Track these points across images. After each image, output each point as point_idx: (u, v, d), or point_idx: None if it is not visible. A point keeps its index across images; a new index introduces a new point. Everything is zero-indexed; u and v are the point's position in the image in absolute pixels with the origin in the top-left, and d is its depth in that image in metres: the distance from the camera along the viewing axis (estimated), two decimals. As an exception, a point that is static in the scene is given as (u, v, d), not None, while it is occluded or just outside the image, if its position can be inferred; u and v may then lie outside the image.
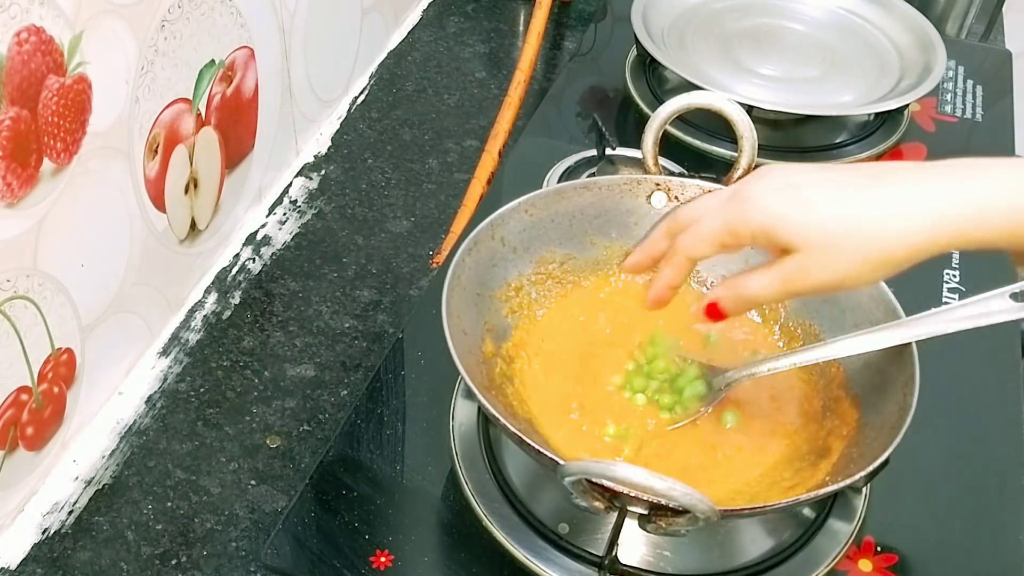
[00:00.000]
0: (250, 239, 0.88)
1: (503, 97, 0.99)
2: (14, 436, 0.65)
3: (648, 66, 0.98)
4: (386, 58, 1.11)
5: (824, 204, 0.50)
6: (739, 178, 0.72)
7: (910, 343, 0.58)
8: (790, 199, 0.50)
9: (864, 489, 0.62)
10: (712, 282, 0.70)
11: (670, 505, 0.49)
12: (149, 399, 0.75)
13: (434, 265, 0.86)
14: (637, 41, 0.95)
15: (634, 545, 0.58)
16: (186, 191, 0.77)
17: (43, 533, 0.66)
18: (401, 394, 0.68)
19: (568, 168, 0.87)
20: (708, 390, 0.62)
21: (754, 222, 0.51)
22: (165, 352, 0.78)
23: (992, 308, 0.56)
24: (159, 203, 0.74)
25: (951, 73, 1.04)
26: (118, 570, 0.64)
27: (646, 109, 0.95)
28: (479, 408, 0.65)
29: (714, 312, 0.55)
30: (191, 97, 0.74)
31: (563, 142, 0.91)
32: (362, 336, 0.80)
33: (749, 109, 0.77)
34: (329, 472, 0.63)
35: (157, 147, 0.72)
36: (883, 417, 0.57)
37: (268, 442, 0.72)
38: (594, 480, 0.50)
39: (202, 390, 0.76)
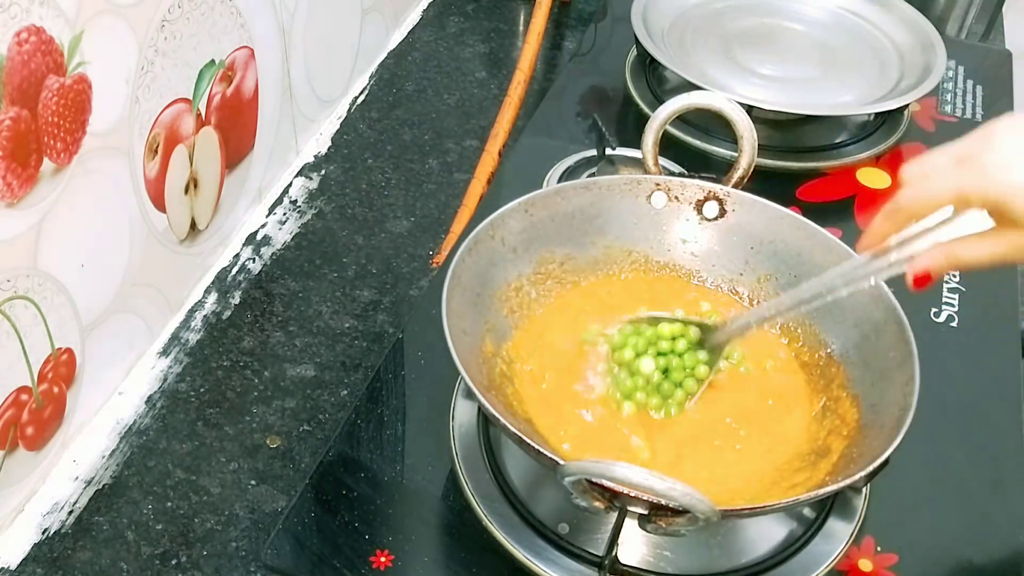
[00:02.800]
0: (250, 239, 0.88)
1: (503, 97, 0.99)
2: (14, 436, 0.65)
3: (648, 66, 0.98)
4: (386, 58, 1.11)
5: None
6: (740, 178, 0.72)
7: (911, 344, 0.58)
8: None
9: (864, 489, 0.62)
10: (712, 282, 0.70)
11: (670, 505, 0.49)
12: (149, 399, 0.75)
13: (434, 265, 0.86)
14: (637, 41, 0.95)
15: (634, 545, 0.58)
16: (186, 191, 0.77)
17: (43, 533, 0.66)
18: (401, 394, 0.68)
19: (568, 168, 0.87)
20: (709, 352, 0.62)
21: (992, 193, 0.48)
22: (165, 352, 0.78)
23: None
24: (159, 203, 0.74)
25: (951, 73, 1.04)
26: (118, 570, 0.64)
27: (646, 109, 0.95)
28: (479, 408, 0.65)
29: (924, 280, 0.53)
30: (191, 97, 0.74)
31: (563, 142, 0.91)
32: (362, 336, 0.80)
33: (749, 109, 0.77)
34: (329, 472, 0.63)
35: (157, 147, 0.72)
36: (883, 417, 0.57)
37: (268, 442, 0.72)
38: (594, 480, 0.50)
39: (202, 390, 0.76)
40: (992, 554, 0.60)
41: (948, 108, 0.99)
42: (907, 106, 0.91)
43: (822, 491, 0.52)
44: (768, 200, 0.68)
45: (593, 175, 0.86)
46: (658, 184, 0.69)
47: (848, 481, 0.52)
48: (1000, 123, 0.50)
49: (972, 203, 0.50)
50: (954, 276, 0.79)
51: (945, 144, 0.52)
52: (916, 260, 0.53)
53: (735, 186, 0.71)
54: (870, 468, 0.52)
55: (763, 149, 0.74)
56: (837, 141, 0.94)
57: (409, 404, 0.68)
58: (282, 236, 0.89)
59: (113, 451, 0.71)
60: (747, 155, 0.72)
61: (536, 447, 0.51)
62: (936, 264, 0.53)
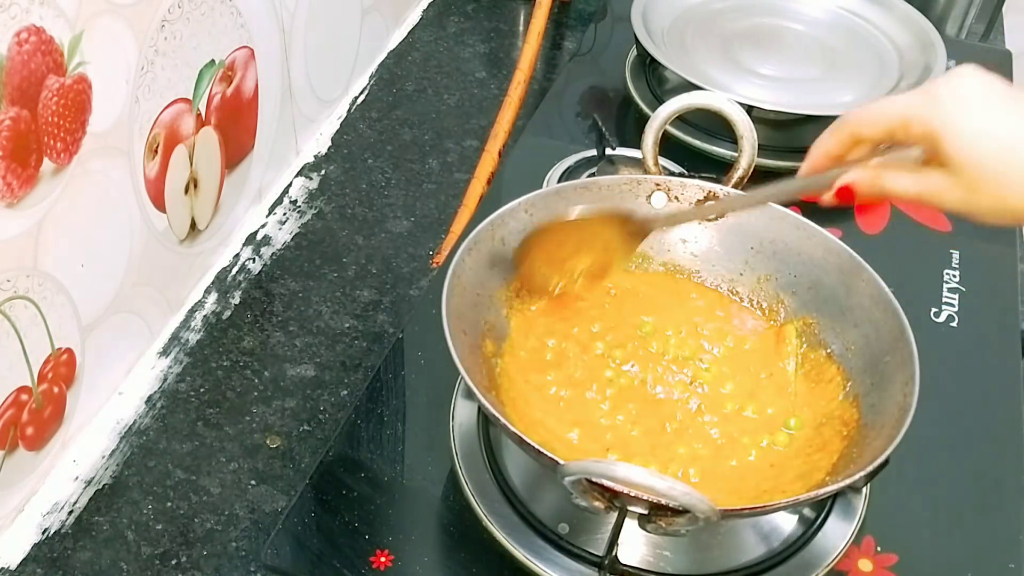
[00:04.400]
0: (250, 239, 0.88)
1: (503, 97, 0.99)
2: (14, 436, 0.65)
3: (648, 66, 0.98)
4: (386, 58, 1.11)
5: (1001, 136, 0.48)
6: (740, 178, 0.72)
7: (911, 344, 0.58)
8: (976, 120, 0.48)
9: (864, 489, 0.62)
10: (712, 282, 0.70)
11: (670, 505, 0.49)
12: (149, 399, 0.75)
13: (434, 265, 0.87)
14: (637, 41, 0.95)
15: (634, 545, 0.58)
16: (186, 191, 0.77)
17: (43, 533, 0.66)
18: (401, 394, 0.68)
19: (568, 168, 0.88)
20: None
21: (933, 123, 0.49)
22: (165, 352, 0.78)
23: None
24: (159, 203, 0.74)
25: (951, 73, 1.04)
26: (118, 570, 0.64)
27: (646, 109, 0.95)
28: (479, 408, 0.65)
29: (846, 194, 0.54)
30: (191, 97, 0.74)
31: (563, 142, 0.91)
32: (362, 336, 0.80)
33: (749, 109, 0.77)
34: (329, 472, 0.63)
35: (157, 147, 0.72)
36: (883, 417, 0.57)
37: (268, 442, 0.72)
38: (594, 480, 0.50)
39: (202, 390, 0.76)
40: (992, 554, 0.60)
41: (948, 108, 0.99)
42: (907, 106, 0.91)
43: (822, 491, 0.52)
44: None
45: (593, 175, 0.86)
46: (658, 184, 0.69)
47: (848, 481, 0.52)
48: (968, 67, 0.50)
49: (912, 130, 0.50)
50: (954, 276, 0.79)
51: None
52: (846, 175, 0.54)
53: (735, 186, 0.71)
54: (870, 468, 0.52)
55: (763, 149, 0.74)
56: (837, 141, 0.93)
57: (409, 404, 0.68)
58: (282, 236, 0.89)
59: (113, 451, 0.71)
60: (747, 155, 0.72)
61: (536, 447, 0.51)
62: (862, 182, 0.54)
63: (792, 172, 0.88)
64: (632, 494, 0.49)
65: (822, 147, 0.56)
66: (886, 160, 0.53)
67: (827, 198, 0.56)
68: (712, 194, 0.69)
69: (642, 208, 0.67)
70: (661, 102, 0.74)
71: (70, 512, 0.68)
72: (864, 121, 0.53)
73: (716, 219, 0.69)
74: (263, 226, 0.90)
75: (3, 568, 0.64)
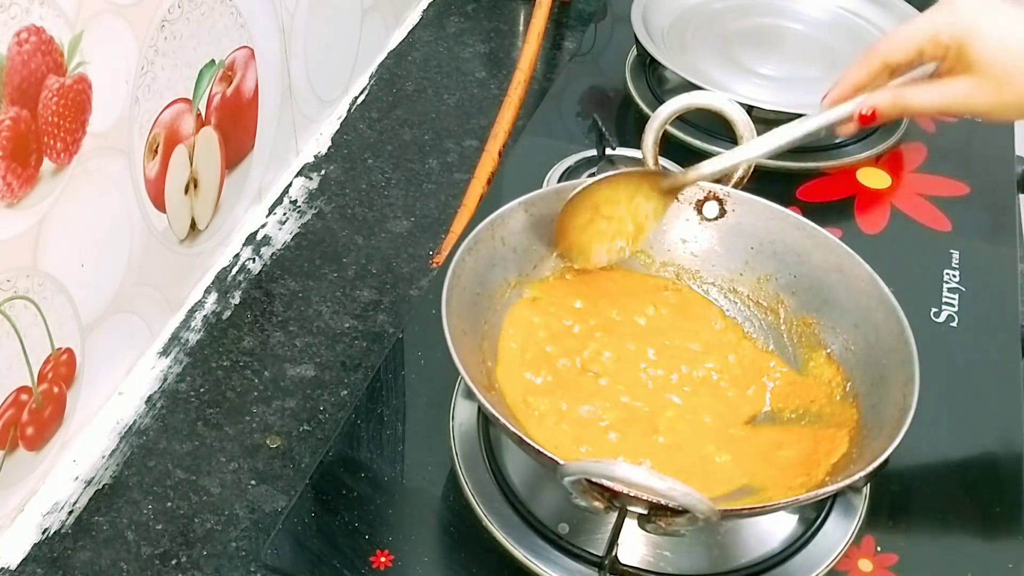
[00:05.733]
0: (250, 239, 0.88)
1: (503, 97, 0.99)
2: (14, 436, 0.65)
3: (648, 66, 0.98)
4: (386, 58, 1.11)
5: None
6: (740, 178, 0.72)
7: (911, 344, 0.58)
8: (999, 23, 0.53)
9: (864, 489, 0.62)
10: (711, 281, 0.70)
11: (670, 505, 0.49)
12: (149, 399, 0.75)
13: (434, 265, 0.87)
14: (637, 41, 0.95)
15: (634, 545, 0.58)
16: (186, 191, 0.77)
17: (43, 533, 0.66)
18: (401, 394, 0.68)
19: (568, 168, 0.87)
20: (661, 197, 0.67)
21: (959, 28, 0.53)
22: (165, 352, 0.78)
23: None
24: (159, 203, 0.74)
25: (951, 73, 1.04)
26: (118, 570, 0.64)
27: (646, 109, 0.95)
28: (479, 408, 0.65)
29: (869, 119, 0.59)
30: (191, 97, 0.74)
31: (563, 142, 0.91)
32: (362, 336, 0.80)
33: (749, 109, 0.77)
34: (329, 472, 0.63)
35: (157, 147, 0.72)
36: (883, 417, 0.57)
37: (268, 442, 0.72)
38: (594, 480, 0.50)
39: (202, 390, 0.76)
40: (992, 554, 0.60)
41: (948, 108, 0.99)
42: (907, 106, 0.91)
43: (822, 491, 0.52)
44: (768, 200, 0.68)
45: (593, 175, 0.86)
46: (658, 184, 0.69)
47: (848, 481, 0.52)
48: None
49: (941, 40, 0.55)
50: (953, 276, 0.79)
51: None
52: (865, 99, 0.58)
53: (735, 186, 0.71)
54: (870, 468, 0.52)
55: (763, 149, 0.74)
56: (837, 141, 0.94)
57: (409, 404, 0.68)
58: (282, 236, 0.89)
59: (113, 451, 0.71)
60: (747, 155, 0.72)
61: (536, 447, 0.51)
62: (884, 103, 0.58)
63: (793, 172, 0.89)
64: (632, 494, 0.49)
65: (852, 79, 0.59)
66: (903, 80, 0.58)
67: (851, 127, 0.60)
68: (712, 194, 0.69)
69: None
70: (661, 102, 0.74)
71: (70, 512, 0.68)
72: (895, 46, 0.57)
73: (717, 218, 0.69)
74: (263, 226, 0.90)
75: (3, 568, 0.64)
